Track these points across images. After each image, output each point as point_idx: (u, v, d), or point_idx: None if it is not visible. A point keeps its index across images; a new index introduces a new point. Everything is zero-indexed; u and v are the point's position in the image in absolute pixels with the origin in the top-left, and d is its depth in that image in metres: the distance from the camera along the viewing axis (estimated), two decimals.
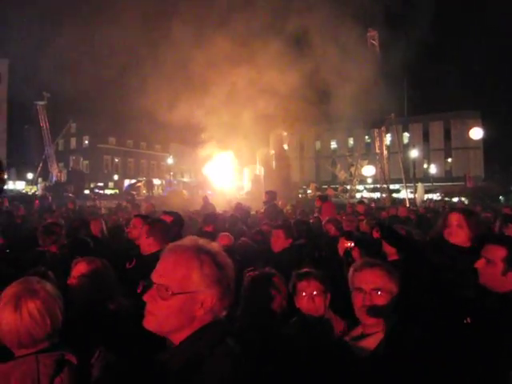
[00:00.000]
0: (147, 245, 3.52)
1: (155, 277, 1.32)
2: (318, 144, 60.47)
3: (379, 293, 1.94)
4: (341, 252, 4.09)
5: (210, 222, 5.61)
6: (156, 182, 39.06)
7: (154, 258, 3.35)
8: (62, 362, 1.58)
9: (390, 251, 3.60)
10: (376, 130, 33.75)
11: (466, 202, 25.16)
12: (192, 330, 1.29)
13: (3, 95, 48.56)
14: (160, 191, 34.64)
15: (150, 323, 1.29)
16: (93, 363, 1.66)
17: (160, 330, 1.30)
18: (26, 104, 43.64)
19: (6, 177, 3.67)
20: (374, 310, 1.92)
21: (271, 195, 9.33)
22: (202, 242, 1.39)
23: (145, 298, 1.31)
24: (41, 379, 1.53)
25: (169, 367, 1.24)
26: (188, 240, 1.39)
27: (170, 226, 4.45)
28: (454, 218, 2.98)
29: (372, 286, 1.95)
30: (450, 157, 52.27)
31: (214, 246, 1.41)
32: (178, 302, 1.27)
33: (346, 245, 4.01)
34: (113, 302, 2.38)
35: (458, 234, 2.94)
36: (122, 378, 1.72)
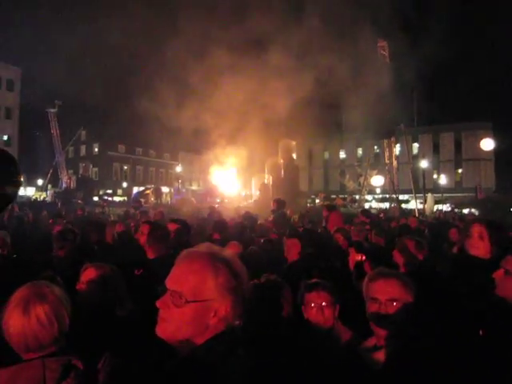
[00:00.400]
0: (149, 251, 3.69)
1: (169, 283, 1.30)
2: (326, 154, 60.41)
3: (394, 303, 1.90)
4: (351, 265, 4.05)
5: (219, 229, 5.60)
6: (164, 189, 39.25)
7: (156, 263, 3.41)
8: (68, 366, 1.57)
9: (401, 263, 3.56)
10: (385, 141, 33.70)
11: (477, 214, 24.91)
12: (204, 338, 1.26)
13: (15, 103, 49.57)
14: (168, 199, 34.79)
15: (163, 330, 1.27)
16: (99, 369, 1.64)
17: (172, 337, 1.27)
18: (38, 111, 44.45)
19: (22, 179, 3.72)
20: (388, 321, 1.88)
21: (280, 204, 9.29)
22: (216, 249, 1.37)
23: (158, 304, 1.29)
24: None
25: (178, 376, 1.21)
26: (203, 247, 1.36)
27: (174, 232, 4.54)
28: (476, 229, 2.90)
29: (387, 296, 1.91)
30: (461, 168, 51.89)
31: (229, 253, 1.39)
32: (191, 310, 1.25)
33: (356, 258, 3.97)
34: (121, 308, 2.37)
35: (478, 245, 2.86)
36: None
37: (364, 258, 3.87)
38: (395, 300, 1.90)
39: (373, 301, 1.94)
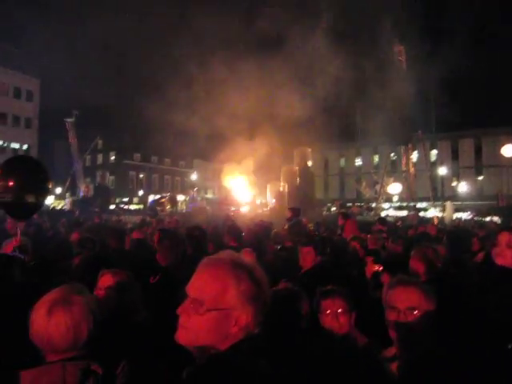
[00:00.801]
0: (159, 258, 3.81)
1: (190, 290, 1.29)
2: (342, 161, 60.00)
3: (414, 312, 1.87)
4: (368, 274, 4.03)
5: (234, 236, 5.63)
6: (180, 197, 39.52)
7: (169, 270, 3.46)
8: (87, 371, 1.60)
9: (421, 271, 3.50)
10: (402, 147, 33.33)
11: (499, 222, 24.34)
12: (224, 346, 1.25)
13: (35, 112, 50.88)
14: (183, 207, 35.00)
15: (182, 337, 1.27)
16: (117, 375, 1.67)
17: (191, 344, 1.26)
18: (56, 121, 45.56)
19: (50, 186, 3.85)
20: (407, 330, 1.85)
21: (295, 212, 9.27)
22: (237, 256, 1.37)
23: (178, 311, 1.29)
24: None
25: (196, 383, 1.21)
26: (224, 254, 1.36)
27: (190, 239, 4.61)
28: (504, 238, 2.84)
29: (407, 304, 1.89)
30: (481, 175, 50.66)
31: (250, 261, 1.39)
32: (212, 318, 1.25)
33: (373, 268, 3.95)
34: (138, 315, 2.41)
35: (505, 254, 2.80)
36: None
37: (381, 268, 3.85)
38: (415, 309, 1.87)
39: (392, 309, 1.92)
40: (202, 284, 1.29)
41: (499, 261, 2.82)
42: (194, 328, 1.25)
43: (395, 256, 5.23)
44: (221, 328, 1.25)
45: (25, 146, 49.27)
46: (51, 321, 1.63)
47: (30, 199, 3.60)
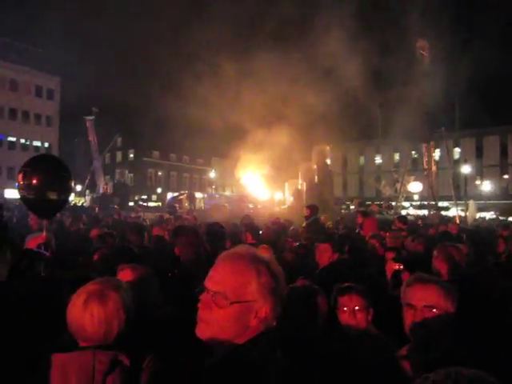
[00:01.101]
0: (179, 254, 3.82)
1: (210, 284, 1.30)
2: (361, 159, 59.44)
3: (433, 310, 1.84)
4: (388, 274, 3.99)
5: (252, 233, 5.67)
6: (198, 195, 39.81)
7: (187, 266, 3.49)
8: (115, 361, 1.65)
9: (444, 270, 3.45)
10: (424, 145, 32.78)
11: None
12: (244, 339, 1.26)
13: (55, 110, 51.95)
14: (201, 205, 35.25)
15: (203, 331, 1.28)
16: (143, 368, 1.71)
17: (213, 338, 1.28)
18: (76, 119, 46.37)
19: (72, 185, 3.94)
20: (423, 329, 1.82)
21: (313, 210, 9.22)
22: (254, 250, 1.39)
23: (200, 305, 1.30)
24: (95, 375, 1.62)
25: (218, 376, 1.22)
26: (241, 248, 1.39)
27: (209, 236, 4.66)
28: None
29: (424, 302, 1.86)
30: (507, 173, 49.47)
31: (267, 255, 1.41)
32: (234, 310, 1.26)
33: (394, 267, 3.91)
34: (158, 309, 2.44)
35: None
36: None
37: (402, 267, 3.81)
38: (433, 307, 1.85)
39: (408, 307, 1.90)
40: (223, 277, 1.30)
41: None
42: (215, 321, 1.26)
43: (416, 255, 5.17)
44: (242, 321, 1.26)
45: (46, 144, 50.42)
46: (86, 312, 1.70)
47: (53, 197, 3.69)
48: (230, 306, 1.25)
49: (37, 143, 49.65)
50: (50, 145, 50.70)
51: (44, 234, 3.53)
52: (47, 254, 3.25)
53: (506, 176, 49.44)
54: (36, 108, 49.57)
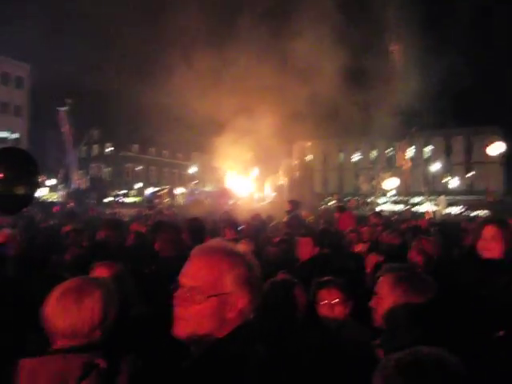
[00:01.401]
0: (159, 250, 3.80)
1: (185, 279, 1.29)
2: (341, 155, 60.19)
3: (386, 299, 1.92)
4: (368, 267, 4.04)
5: (230, 228, 5.62)
6: (179, 191, 39.53)
7: (166, 262, 3.42)
8: (90, 365, 1.55)
9: (420, 262, 3.54)
10: (398, 143, 33.50)
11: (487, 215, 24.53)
12: (223, 333, 1.26)
13: (24, 100, 49.49)
14: (182, 200, 34.98)
15: (182, 329, 1.26)
16: (122, 370, 1.61)
17: (191, 335, 1.25)
18: (48, 109, 44.35)
19: (39, 180, 3.75)
20: (382, 316, 1.91)
21: (294, 204, 9.27)
22: (228, 243, 1.40)
23: (175, 302, 1.27)
24: (69, 381, 1.51)
25: (200, 372, 1.19)
26: (215, 242, 1.40)
27: (188, 232, 4.57)
28: (488, 231, 2.81)
29: (383, 290, 1.95)
30: (472, 171, 52.18)
31: (241, 247, 1.42)
32: (211, 305, 1.25)
33: (375, 259, 3.99)
34: (134, 309, 2.34)
35: (491, 247, 2.77)
36: None
37: (383, 259, 3.87)
38: (382, 296, 1.93)
39: (375, 295, 1.98)
40: (197, 272, 1.29)
41: (486, 254, 2.78)
42: (192, 318, 1.25)
43: (393, 248, 5.29)
44: (220, 313, 1.26)
45: (14, 135, 47.48)
46: (59, 306, 1.63)
47: (19, 191, 3.51)
48: (207, 300, 1.24)
49: (3, 134, 46.24)
50: (19, 136, 48.21)
51: (4, 231, 3.35)
52: (11, 252, 3.06)
53: (470, 173, 52.14)
54: (3, 96, 46.65)
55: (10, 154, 3.80)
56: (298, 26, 23.84)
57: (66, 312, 1.62)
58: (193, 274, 1.29)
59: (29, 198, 3.69)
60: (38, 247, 4.80)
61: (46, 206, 19.89)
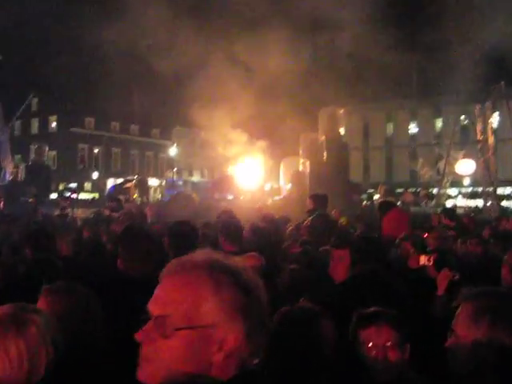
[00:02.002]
0: (126, 268, 3.78)
1: (153, 306, 1.29)
2: (390, 127, 59.85)
3: (466, 338, 1.86)
4: (440, 288, 4.03)
5: (230, 236, 5.64)
6: (153, 182, 39.70)
7: (136, 284, 3.47)
8: None
9: None
10: (477, 106, 33.11)
11: None
12: None
13: None
14: (158, 196, 35.17)
15: (147, 374, 1.25)
16: None
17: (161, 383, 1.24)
18: None
19: None
20: (460, 361, 1.88)
21: (319, 201, 9.23)
22: (217, 256, 1.38)
23: (139, 337, 1.27)
24: None
25: None
26: (198, 254, 1.37)
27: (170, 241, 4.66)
28: None
29: (463, 326, 1.87)
30: None
31: (236, 261, 1.40)
32: (184, 340, 1.23)
33: (446, 280, 3.95)
34: (92, 349, 2.41)
35: None
36: None
37: (457, 277, 3.88)
38: (472, 335, 1.84)
39: (451, 333, 1.91)
40: (169, 296, 1.28)
41: None
42: (161, 359, 1.23)
43: (476, 262, 5.38)
44: (199, 355, 1.23)
45: None
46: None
47: None
48: (177, 333, 1.22)
49: None
50: None
51: None
52: None
53: None
54: None
55: None
56: None
57: (9, 350, 1.71)
58: (163, 298, 1.29)
59: None
60: None
61: None
